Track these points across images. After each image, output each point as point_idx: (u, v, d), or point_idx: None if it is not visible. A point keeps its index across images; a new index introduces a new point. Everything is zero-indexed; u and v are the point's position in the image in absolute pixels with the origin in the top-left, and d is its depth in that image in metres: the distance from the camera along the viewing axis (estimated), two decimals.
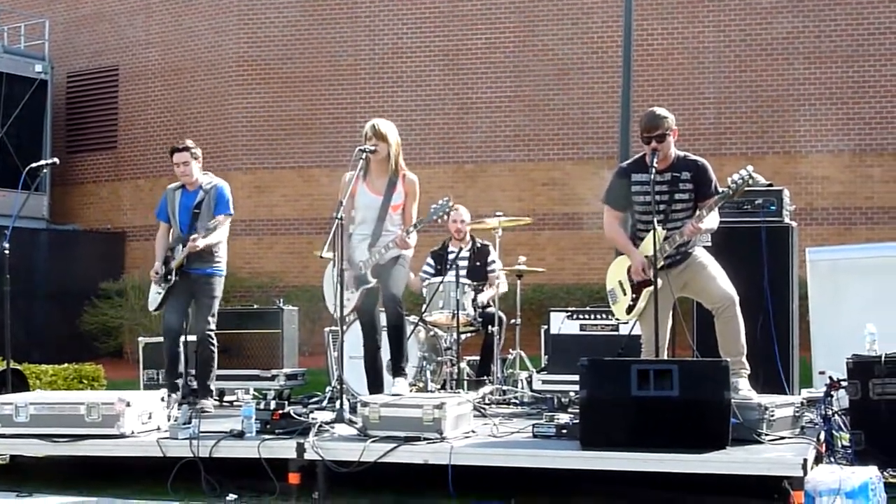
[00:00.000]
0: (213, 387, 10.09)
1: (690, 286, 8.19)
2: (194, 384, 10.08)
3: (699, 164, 8.13)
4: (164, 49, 24.20)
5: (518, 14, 21.81)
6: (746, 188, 8.04)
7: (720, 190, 7.95)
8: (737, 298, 8.00)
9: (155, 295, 10.11)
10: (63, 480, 8.08)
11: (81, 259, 23.06)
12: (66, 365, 13.61)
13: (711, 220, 8.06)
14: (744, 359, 7.98)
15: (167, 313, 10.04)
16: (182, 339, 10.03)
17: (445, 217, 9.10)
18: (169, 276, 9.94)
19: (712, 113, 20.80)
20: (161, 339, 10.91)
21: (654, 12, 21.08)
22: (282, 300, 11.56)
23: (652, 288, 7.91)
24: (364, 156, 8.83)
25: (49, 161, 10.59)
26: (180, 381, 9.89)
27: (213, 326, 9.94)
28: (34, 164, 10.31)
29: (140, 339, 11.84)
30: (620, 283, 8.35)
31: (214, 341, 9.96)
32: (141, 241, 23.23)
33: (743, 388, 7.79)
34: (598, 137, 21.17)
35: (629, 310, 8.28)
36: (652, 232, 7.86)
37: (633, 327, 8.96)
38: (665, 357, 7.99)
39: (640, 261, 8.06)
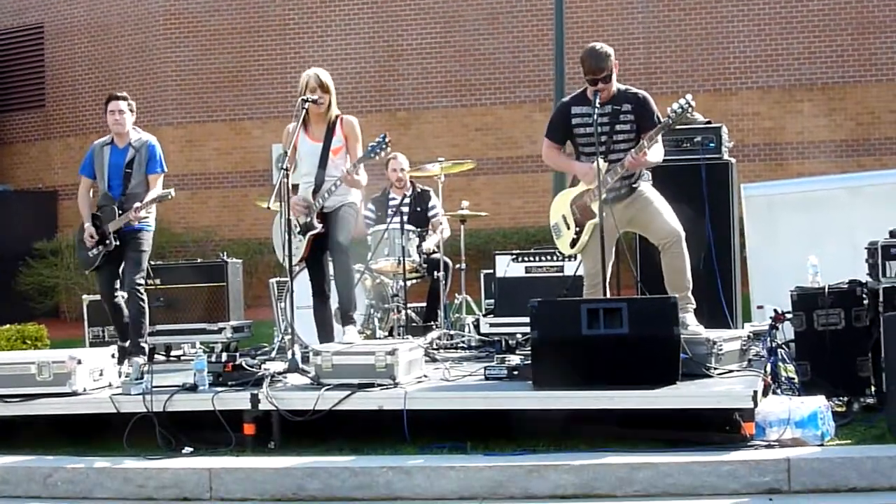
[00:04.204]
0: (145, 343, 9.85)
1: (636, 221, 8.28)
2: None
3: (640, 97, 8.22)
4: (90, 5, 23.87)
5: None
6: (687, 118, 8.13)
7: (661, 120, 8.03)
8: (683, 234, 8.11)
9: (89, 256, 9.92)
10: (17, 440, 8.03)
11: (14, 219, 22.79)
12: (7, 326, 13.49)
13: (655, 153, 8.13)
14: (690, 294, 8.08)
15: (102, 279, 9.95)
16: (118, 302, 9.91)
17: (383, 154, 9.08)
18: (108, 241, 9.77)
19: (642, 53, 20.91)
20: None
21: None
22: (225, 254, 11.52)
23: (595, 221, 7.99)
24: (307, 106, 8.82)
25: None
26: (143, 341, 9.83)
27: (141, 281, 9.80)
28: None
29: (84, 297, 11.76)
30: (564, 218, 8.41)
31: (144, 296, 9.82)
32: (73, 200, 22.55)
33: (691, 324, 7.91)
34: (531, 81, 21.22)
35: (573, 243, 8.35)
36: (594, 165, 7.92)
37: (577, 268, 9.04)
38: (608, 293, 8.08)
39: (586, 170, 8.12)
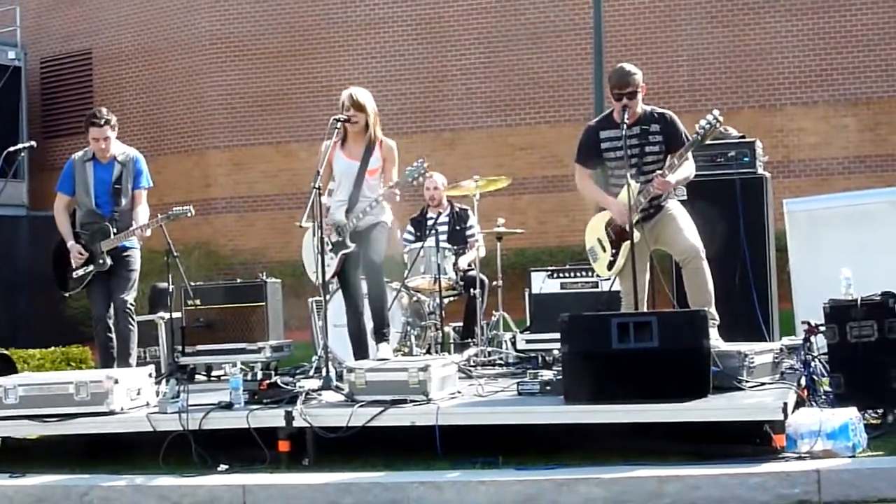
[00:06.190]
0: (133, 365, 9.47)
1: (661, 238, 8.31)
2: (180, 359, 10.11)
3: (667, 117, 8.26)
4: (138, 31, 24.13)
5: None
6: (716, 134, 8.16)
7: (689, 138, 8.05)
8: (702, 250, 8.13)
9: (73, 276, 9.63)
10: (55, 460, 8.12)
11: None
12: (52, 348, 13.65)
13: (685, 169, 8.17)
14: (713, 309, 8.07)
15: (95, 300, 9.61)
16: (111, 323, 9.55)
17: (421, 179, 9.13)
18: (101, 260, 9.45)
19: (686, 70, 20.88)
20: (147, 317, 10.94)
21: None
22: (265, 274, 11.58)
23: (630, 242, 8.03)
24: (340, 125, 8.89)
25: (26, 144, 10.43)
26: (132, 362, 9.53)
27: (132, 301, 9.52)
28: (11, 149, 10.10)
29: None
30: (599, 241, 8.47)
31: (134, 317, 9.56)
32: None
33: (711, 338, 7.86)
34: (574, 100, 21.21)
35: (610, 266, 8.41)
36: (626, 186, 7.96)
37: (612, 283, 9.06)
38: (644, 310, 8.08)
39: (620, 208, 8.14)
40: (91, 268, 9.52)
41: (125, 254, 9.57)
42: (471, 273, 10.95)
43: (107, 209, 9.55)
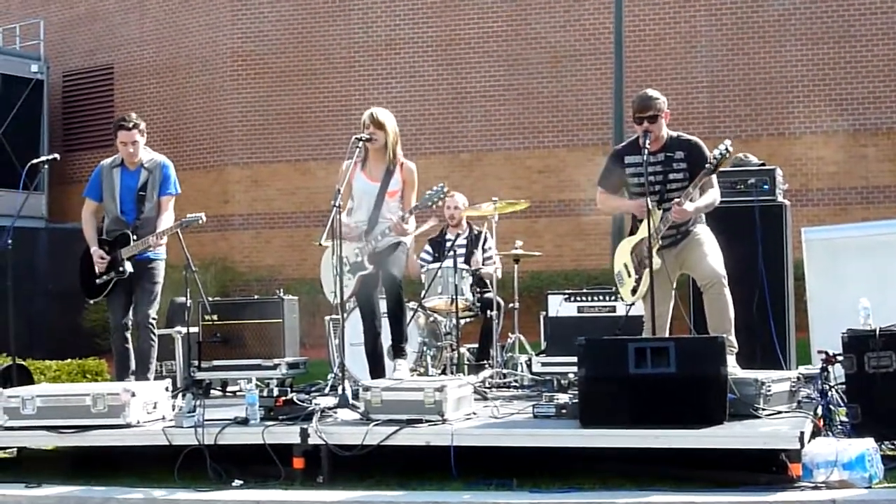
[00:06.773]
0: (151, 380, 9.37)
1: (686, 263, 8.30)
2: (196, 374, 10.11)
3: (692, 143, 8.23)
4: (159, 46, 24.25)
5: (510, 3, 21.86)
6: (731, 163, 8.15)
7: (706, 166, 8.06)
8: (724, 277, 8.10)
9: (96, 283, 9.52)
10: (71, 471, 8.15)
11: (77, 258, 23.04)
12: (69, 360, 13.69)
13: (708, 197, 8.16)
14: (732, 337, 8.05)
15: (115, 309, 9.56)
16: (129, 333, 9.53)
17: (440, 203, 9.15)
18: (121, 268, 9.34)
19: (705, 97, 20.87)
20: (164, 331, 10.93)
21: None
22: (282, 290, 11.60)
23: (654, 268, 8.03)
24: (361, 144, 8.93)
25: (49, 157, 10.41)
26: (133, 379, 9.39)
27: (154, 314, 9.48)
28: (35, 161, 10.10)
29: None
30: (625, 266, 8.49)
31: (156, 331, 9.53)
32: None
33: (729, 365, 7.86)
34: (593, 124, 21.23)
35: (633, 291, 8.42)
36: (647, 213, 7.96)
37: (629, 308, 9.07)
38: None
39: (636, 202, 8.17)
40: (112, 275, 9.45)
41: (150, 265, 9.52)
42: (487, 295, 10.95)
43: (131, 216, 9.51)
